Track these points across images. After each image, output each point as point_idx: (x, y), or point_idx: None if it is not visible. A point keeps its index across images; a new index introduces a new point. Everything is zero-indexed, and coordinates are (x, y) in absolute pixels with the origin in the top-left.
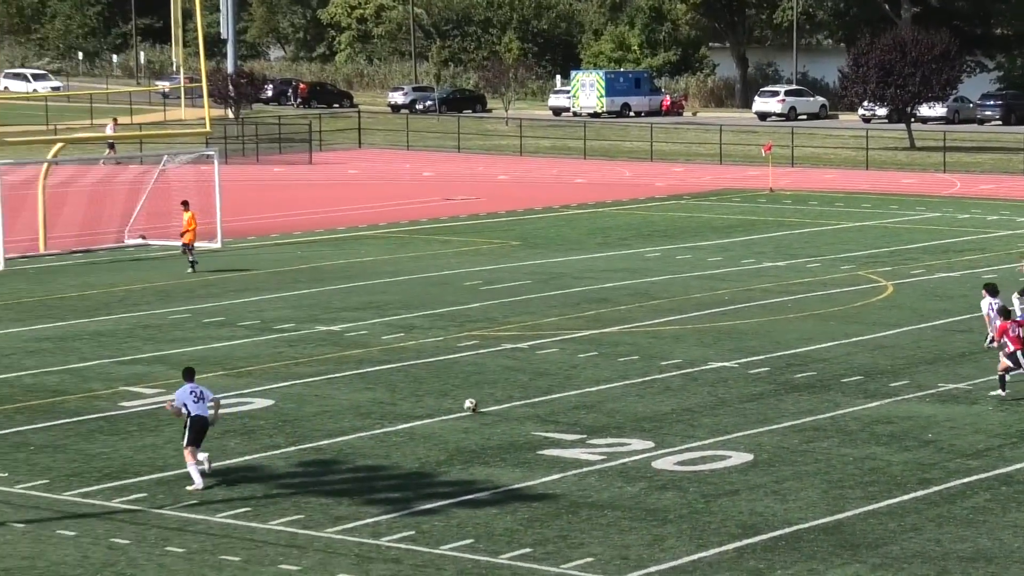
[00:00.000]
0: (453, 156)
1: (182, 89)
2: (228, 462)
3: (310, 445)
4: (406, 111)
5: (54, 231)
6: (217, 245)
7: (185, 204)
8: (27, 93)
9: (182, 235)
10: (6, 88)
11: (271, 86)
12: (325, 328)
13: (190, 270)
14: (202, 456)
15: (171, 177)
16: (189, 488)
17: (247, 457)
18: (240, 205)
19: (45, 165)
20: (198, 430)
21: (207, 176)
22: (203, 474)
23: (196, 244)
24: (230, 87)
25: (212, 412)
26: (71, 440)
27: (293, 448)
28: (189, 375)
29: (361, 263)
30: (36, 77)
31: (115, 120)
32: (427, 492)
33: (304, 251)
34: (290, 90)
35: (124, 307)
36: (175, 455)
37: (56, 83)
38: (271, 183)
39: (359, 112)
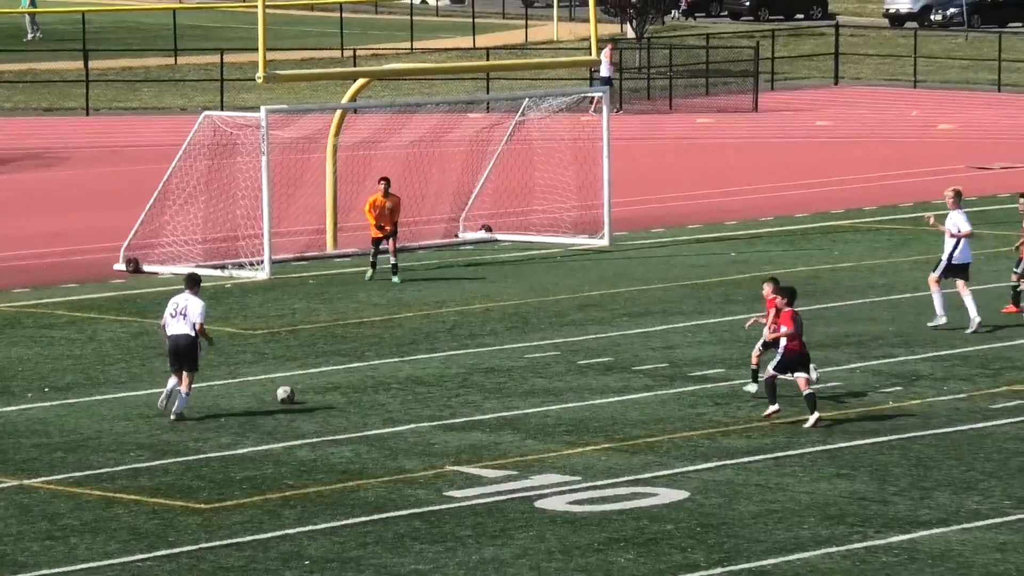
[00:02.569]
0: (989, 97)
1: None
2: None
3: (746, 566)
4: (913, 25)
5: (348, 218)
6: (603, 242)
7: (386, 183)
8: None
9: (378, 227)
10: None
11: None
12: None
13: (370, 273)
14: (179, 394)
15: (531, 134)
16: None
17: None
18: (642, 178)
19: (338, 114)
20: (170, 352)
21: (590, 132)
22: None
23: (575, 240)
24: None
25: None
26: (369, 551)
27: (719, 570)
28: (190, 283)
29: (833, 272)
30: None
31: (613, 44)
32: None
33: (739, 252)
34: None
35: (455, 339)
36: None
37: None
38: (691, 142)
39: (837, 27)
